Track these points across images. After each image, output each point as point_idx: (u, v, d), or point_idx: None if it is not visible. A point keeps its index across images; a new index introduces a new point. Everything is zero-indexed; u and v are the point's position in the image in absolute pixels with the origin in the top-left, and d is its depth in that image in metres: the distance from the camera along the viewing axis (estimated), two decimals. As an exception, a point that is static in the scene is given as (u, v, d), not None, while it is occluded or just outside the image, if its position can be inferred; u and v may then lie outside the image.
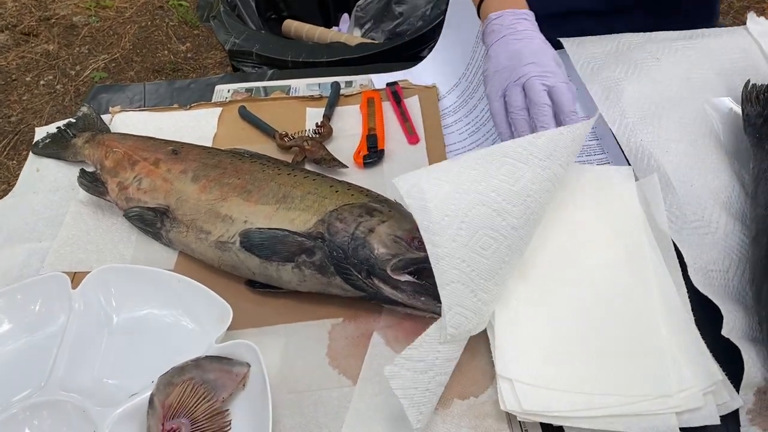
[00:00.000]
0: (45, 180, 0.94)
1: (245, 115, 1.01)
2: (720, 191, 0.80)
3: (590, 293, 0.71)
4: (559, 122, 0.77)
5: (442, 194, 0.66)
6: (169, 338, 0.72)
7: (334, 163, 0.91)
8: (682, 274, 0.71)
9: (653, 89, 0.93)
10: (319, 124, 0.97)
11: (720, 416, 0.62)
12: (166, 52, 2.59)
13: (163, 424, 0.62)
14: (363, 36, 1.68)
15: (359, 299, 0.73)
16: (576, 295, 0.71)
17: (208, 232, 0.77)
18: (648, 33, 1.01)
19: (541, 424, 0.64)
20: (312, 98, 1.04)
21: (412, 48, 1.34)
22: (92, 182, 0.87)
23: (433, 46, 1.35)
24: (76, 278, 0.77)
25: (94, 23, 2.71)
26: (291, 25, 1.65)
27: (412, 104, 1.01)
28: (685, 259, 0.71)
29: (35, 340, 0.72)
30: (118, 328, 0.73)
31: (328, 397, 0.67)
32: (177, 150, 0.86)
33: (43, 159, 0.97)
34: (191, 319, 0.73)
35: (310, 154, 0.92)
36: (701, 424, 0.61)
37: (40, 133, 1.00)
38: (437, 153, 0.93)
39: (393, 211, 0.75)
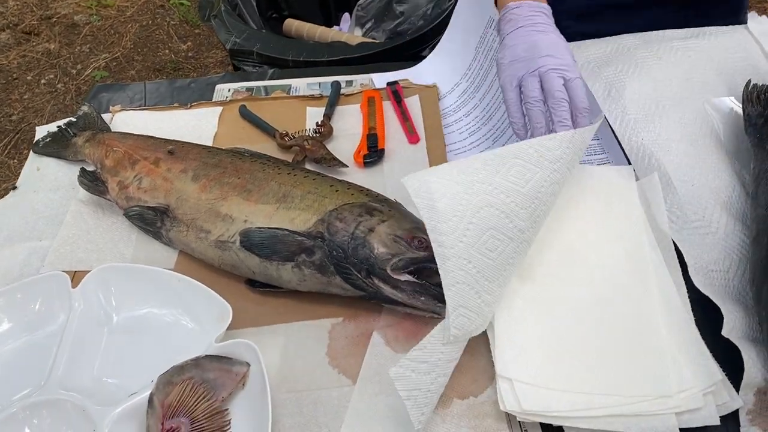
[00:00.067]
0: (45, 179, 0.94)
1: (246, 115, 1.01)
2: (721, 191, 0.80)
3: (590, 293, 0.71)
4: (571, 118, 0.77)
5: (450, 194, 0.66)
6: (168, 337, 0.72)
7: (335, 162, 0.91)
8: (683, 274, 0.71)
9: (654, 88, 0.93)
10: (320, 123, 0.97)
11: (720, 417, 0.62)
12: (167, 51, 2.59)
13: (162, 424, 0.62)
14: (364, 35, 1.67)
15: (359, 299, 0.73)
16: (576, 294, 0.71)
17: (208, 231, 0.77)
18: (648, 33, 1.01)
19: (541, 424, 0.64)
20: (312, 97, 1.04)
21: (412, 47, 1.34)
22: (92, 181, 0.88)
23: (434, 46, 1.35)
24: (76, 277, 0.77)
25: (95, 22, 2.71)
26: (292, 25, 1.65)
27: (413, 104, 1.01)
28: (686, 259, 0.71)
29: (35, 339, 0.72)
30: (118, 328, 0.73)
31: (328, 397, 0.67)
32: (174, 150, 0.86)
33: (43, 158, 0.98)
34: (191, 318, 0.73)
35: (310, 154, 0.92)
36: (701, 425, 0.61)
37: (41, 132, 1.00)
38: (437, 152, 0.93)
39: (393, 210, 0.75)
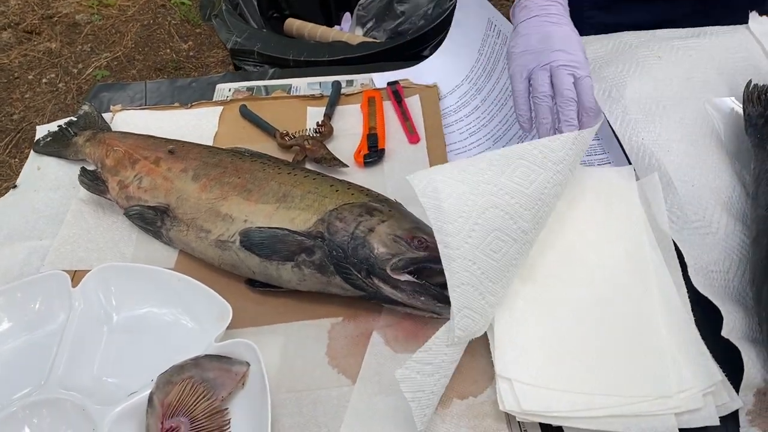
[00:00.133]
0: (46, 178, 0.94)
1: (246, 114, 1.01)
2: (721, 191, 0.80)
3: (590, 293, 0.71)
4: (577, 117, 0.77)
5: (456, 195, 0.66)
6: (168, 337, 0.72)
7: (335, 162, 0.91)
8: (683, 275, 0.71)
9: (655, 88, 0.93)
10: (320, 123, 0.97)
11: (719, 417, 0.62)
12: (168, 50, 2.59)
13: (162, 423, 0.62)
14: (365, 35, 1.67)
15: (359, 298, 0.73)
16: (576, 295, 0.71)
17: (209, 230, 0.77)
18: (650, 31, 1.01)
19: (540, 424, 0.64)
20: (313, 97, 1.04)
21: (413, 47, 1.34)
22: (93, 181, 0.88)
23: (435, 45, 1.35)
24: (76, 276, 0.77)
25: (96, 21, 2.71)
26: (293, 24, 1.65)
27: (413, 103, 1.01)
28: (686, 260, 0.71)
29: (35, 338, 0.72)
30: (118, 327, 0.73)
31: (327, 397, 0.67)
32: (174, 150, 0.86)
33: (44, 157, 0.98)
34: (191, 317, 0.73)
35: (310, 153, 0.92)
36: (701, 425, 0.61)
37: (42, 131, 1.01)
38: (438, 152, 0.93)
39: (393, 210, 0.75)
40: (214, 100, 1.07)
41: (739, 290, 0.71)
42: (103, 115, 1.01)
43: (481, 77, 1.02)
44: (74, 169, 0.91)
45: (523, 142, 0.74)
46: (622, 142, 0.87)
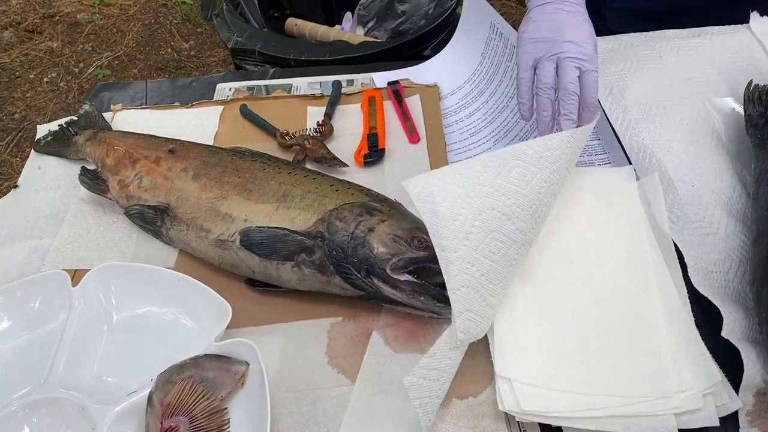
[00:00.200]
0: (46, 177, 0.94)
1: (246, 114, 1.01)
2: (721, 192, 0.80)
3: (590, 293, 0.71)
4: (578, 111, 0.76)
5: (452, 198, 0.66)
6: (168, 336, 0.72)
7: (335, 161, 0.91)
8: (683, 275, 0.71)
9: (655, 87, 0.93)
10: (320, 122, 0.97)
11: (719, 418, 0.62)
12: (169, 49, 2.59)
13: (161, 422, 0.62)
14: (366, 34, 1.67)
15: (359, 298, 0.73)
16: (576, 295, 0.71)
17: (209, 230, 0.77)
18: (651, 33, 1.01)
19: (540, 424, 0.64)
20: (313, 97, 1.04)
21: (414, 47, 1.34)
22: (93, 180, 0.88)
23: (436, 45, 1.35)
24: (76, 276, 0.77)
25: (97, 21, 2.71)
26: (294, 24, 1.65)
27: (413, 103, 1.01)
28: (686, 260, 0.71)
29: (35, 337, 0.72)
30: (118, 326, 0.73)
31: (327, 396, 0.67)
32: (174, 150, 0.86)
33: (44, 156, 0.98)
34: (191, 317, 0.73)
35: (310, 153, 0.92)
36: (700, 426, 0.61)
37: (42, 130, 1.01)
38: (438, 152, 0.93)
39: (393, 210, 0.75)
40: (214, 99, 1.07)
41: (739, 291, 0.71)
42: (103, 114, 1.01)
43: (484, 80, 1.02)
44: (75, 169, 0.91)
45: (525, 139, 0.74)
46: (622, 142, 0.87)
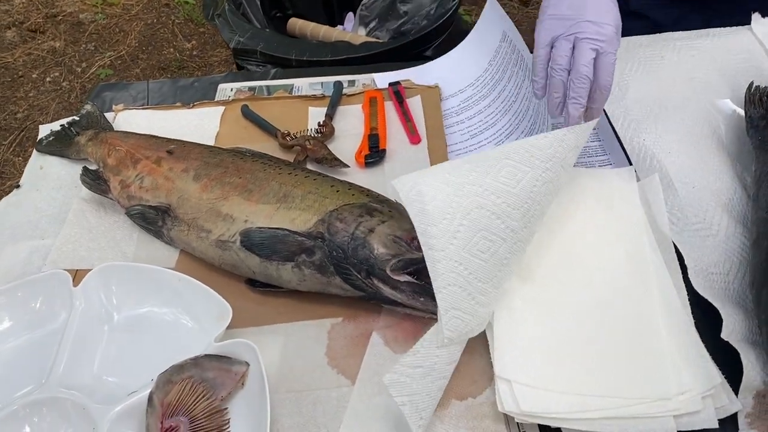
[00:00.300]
0: (48, 177, 0.95)
1: (248, 114, 1.01)
2: (722, 193, 0.80)
3: (590, 295, 0.71)
4: (590, 93, 0.76)
5: (441, 197, 0.66)
6: (168, 336, 0.72)
7: (336, 162, 0.91)
8: (683, 276, 0.71)
9: (657, 88, 0.93)
10: (321, 123, 0.97)
11: (718, 420, 0.62)
12: (171, 49, 2.60)
13: (162, 422, 0.63)
14: (368, 35, 1.67)
15: (359, 299, 0.73)
16: (576, 296, 0.71)
17: (209, 230, 0.77)
18: (653, 35, 1.01)
19: (539, 425, 0.64)
20: (314, 97, 1.04)
21: (415, 47, 1.34)
22: (95, 180, 0.88)
23: (437, 46, 1.35)
24: (77, 276, 0.77)
25: (100, 20, 2.72)
26: (296, 24, 1.65)
27: (414, 104, 1.01)
28: (686, 262, 0.71)
29: (36, 337, 0.72)
30: (119, 326, 0.74)
31: (327, 397, 0.67)
32: (172, 151, 0.87)
33: (46, 156, 0.98)
34: (191, 317, 0.73)
35: (311, 154, 0.92)
36: (700, 428, 0.61)
37: (44, 130, 1.01)
38: (439, 153, 0.93)
39: (393, 211, 0.75)
40: (216, 100, 1.07)
41: (739, 292, 0.71)
42: (105, 114, 1.01)
43: (488, 85, 1.02)
44: (76, 169, 0.91)
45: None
46: (623, 143, 0.87)
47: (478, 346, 0.69)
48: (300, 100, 1.05)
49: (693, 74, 0.95)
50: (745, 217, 0.77)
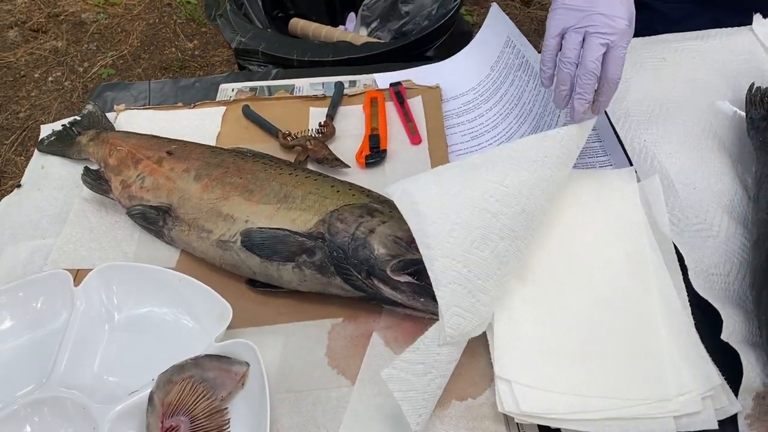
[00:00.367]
0: (50, 177, 0.95)
1: (249, 114, 1.01)
2: (722, 194, 0.80)
3: (590, 295, 0.71)
4: (598, 87, 0.76)
5: (433, 197, 0.66)
6: (169, 336, 0.72)
7: (337, 163, 0.91)
8: (683, 277, 0.71)
9: (658, 89, 0.93)
10: (322, 123, 0.97)
11: (718, 421, 0.62)
12: (173, 49, 2.60)
13: (162, 422, 0.63)
14: (369, 35, 1.67)
15: (359, 300, 0.73)
16: (576, 296, 0.71)
17: (210, 231, 0.77)
18: (653, 36, 1.01)
19: (539, 426, 0.64)
20: (315, 98, 1.05)
21: (417, 47, 1.34)
22: (96, 180, 0.88)
23: (439, 46, 1.35)
24: (78, 276, 0.77)
25: (102, 20, 2.72)
26: (297, 24, 1.65)
27: (415, 105, 1.01)
28: (686, 263, 0.71)
29: (37, 337, 0.73)
30: (119, 326, 0.74)
31: (327, 397, 0.67)
32: (173, 151, 0.87)
33: (48, 156, 0.98)
34: (191, 317, 0.73)
35: (312, 154, 0.93)
36: (699, 429, 0.61)
37: (46, 130, 1.01)
38: (440, 154, 0.93)
39: (394, 211, 0.74)
40: (217, 100, 1.07)
41: (740, 294, 0.71)
42: (106, 114, 1.01)
43: (489, 90, 1.03)
44: (78, 169, 0.91)
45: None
46: (624, 143, 0.87)
47: (478, 346, 0.69)
48: (301, 100, 1.05)
49: (694, 75, 0.95)
50: (746, 219, 0.77)
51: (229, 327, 0.69)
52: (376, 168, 0.92)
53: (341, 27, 1.70)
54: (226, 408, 0.66)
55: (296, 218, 0.74)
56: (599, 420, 0.62)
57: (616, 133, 0.90)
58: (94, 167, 0.91)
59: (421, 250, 0.64)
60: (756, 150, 0.82)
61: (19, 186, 0.94)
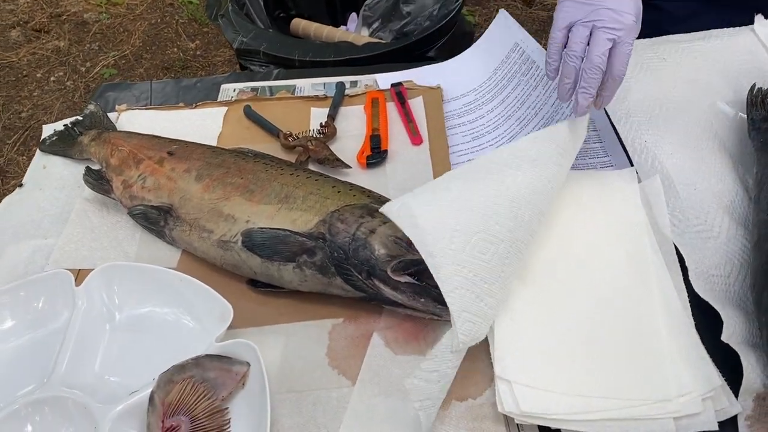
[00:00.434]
0: (51, 177, 0.95)
1: (250, 115, 1.01)
2: (723, 195, 0.80)
3: (591, 296, 0.71)
4: (602, 82, 0.76)
5: (430, 207, 0.66)
6: (170, 336, 0.72)
7: (338, 163, 0.91)
8: (683, 278, 0.71)
9: (659, 89, 0.93)
10: (324, 124, 0.98)
11: (718, 422, 0.61)
12: (175, 49, 2.60)
13: (163, 422, 0.63)
14: (371, 35, 1.68)
15: (360, 300, 0.73)
16: (576, 297, 0.71)
17: (211, 231, 0.77)
18: (654, 38, 1.01)
19: (539, 426, 0.64)
20: (317, 98, 1.05)
21: (418, 48, 1.34)
22: (97, 180, 0.88)
23: (440, 46, 1.35)
24: (80, 275, 0.78)
25: (104, 20, 2.73)
26: (299, 24, 1.65)
27: (416, 105, 1.01)
28: (687, 264, 0.71)
29: (38, 336, 0.73)
30: (121, 326, 0.74)
31: (327, 397, 0.67)
32: (174, 151, 0.87)
33: (50, 156, 0.98)
34: (192, 317, 0.73)
35: (313, 154, 0.93)
36: (699, 430, 0.61)
37: (48, 130, 1.01)
38: (441, 154, 0.93)
39: (394, 211, 0.75)
40: (218, 100, 1.07)
41: (740, 295, 0.71)
42: (108, 114, 1.02)
43: (491, 91, 1.03)
44: (79, 169, 0.91)
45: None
46: (625, 143, 0.87)
47: (479, 347, 0.68)
48: (302, 100, 1.05)
49: (695, 76, 0.95)
50: (747, 220, 0.77)
51: (230, 327, 0.69)
52: (377, 168, 0.92)
53: (343, 27, 1.70)
54: (227, 408, 0.66)
55: (297, 218, 0.74)
56: (599, 420, 0.62)
57: (617, 133, 0.90)
58: (95, 167, 0.91)
59: (425, 259, 0.64)
60: (757, 151, 0.82)
61: (20, 185, 0.94)
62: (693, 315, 0.68)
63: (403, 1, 1.63)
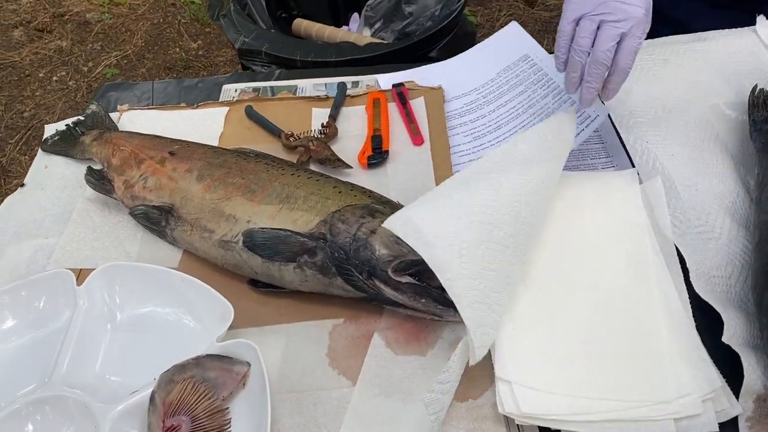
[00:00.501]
0: (53, 177, 0.95)
1: (252, 115, 1.01)
2: (725, 196, 0.80)
3: (591, 297, 0.71)
4: (608, 74, 0.76)
5: (434, 223, 0.66)
6: (171, 336, 0.73)
7: (339, 163, 0.91)
8: (684, 279, 0.71)
9: (660, 91, 0.93)
10: (325, 124, 0.98)
11: (719, 423, 0.61)
12: (177, 49, 2.61)
13: (163, 421, 0.63)
14: (372, 36, 1.68)
15: (360, 300, 0.73)
16: (577, 298, 0.71)
17: (212, 231, 0.78)
18: (656, 39, 1.01)
19: (539, 427, 0.64)
20: (318, 98, 1.05)
21: (420, 48, 1.34)
22: (99, 180, 0.88)
23: (442, 47, 1.35)
24: (81, 275, 0.78)
25: (107, 20, 2.73)
26: (301, 24, 1.65)
27: (418, 105, 1.01)
28: (688, 265, 0.71)
29: (39, 336, 0.73)
30: (122, 325, 0.74)
31: (328, 398, 0.67)
32: (175, 151, 0.87)
33: (52, 156, 0.99)
34: (193, 317, 0.73)
35: (315, 155, 0.93)
36: (700, 431, 0.61)
37: (50, 130, 1.02)
38: (442, 155, 0.93)
39: (395, 212, 0.75)
40: (220, 100, 1.07)
41: (741, 296, 0.71)
42: (110, 114, 1.02)
43: (493, 93, 1.03)
44: (81, 168, 0.91)
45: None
46: (626, 144, 0.87)
47: (479, 347, 0.69)
48: (304, 101, 1.05)
49: (696, 77, 0.95)
50: (748, 221, 0.77)
51: (231, 327, 0.69)
52: (378, 169, 0.92)
53: (344, 27, 1.70)
54: (227, 408, 0.66)
55: (298, 219, 0.74)
56: (599, 422, 0.62)
57: (618, 134, 0.90)
58: (97, 167, 0.91)
59: (437, 275, 0.63)
60: (758, 152, 0.82)
61: (22, 185, 0.94)
62: (694, 316, 0.68)
63: (405, 2, 1.63)
